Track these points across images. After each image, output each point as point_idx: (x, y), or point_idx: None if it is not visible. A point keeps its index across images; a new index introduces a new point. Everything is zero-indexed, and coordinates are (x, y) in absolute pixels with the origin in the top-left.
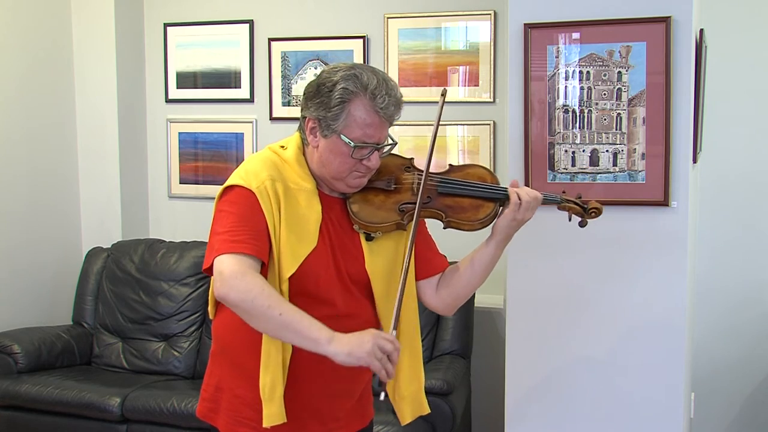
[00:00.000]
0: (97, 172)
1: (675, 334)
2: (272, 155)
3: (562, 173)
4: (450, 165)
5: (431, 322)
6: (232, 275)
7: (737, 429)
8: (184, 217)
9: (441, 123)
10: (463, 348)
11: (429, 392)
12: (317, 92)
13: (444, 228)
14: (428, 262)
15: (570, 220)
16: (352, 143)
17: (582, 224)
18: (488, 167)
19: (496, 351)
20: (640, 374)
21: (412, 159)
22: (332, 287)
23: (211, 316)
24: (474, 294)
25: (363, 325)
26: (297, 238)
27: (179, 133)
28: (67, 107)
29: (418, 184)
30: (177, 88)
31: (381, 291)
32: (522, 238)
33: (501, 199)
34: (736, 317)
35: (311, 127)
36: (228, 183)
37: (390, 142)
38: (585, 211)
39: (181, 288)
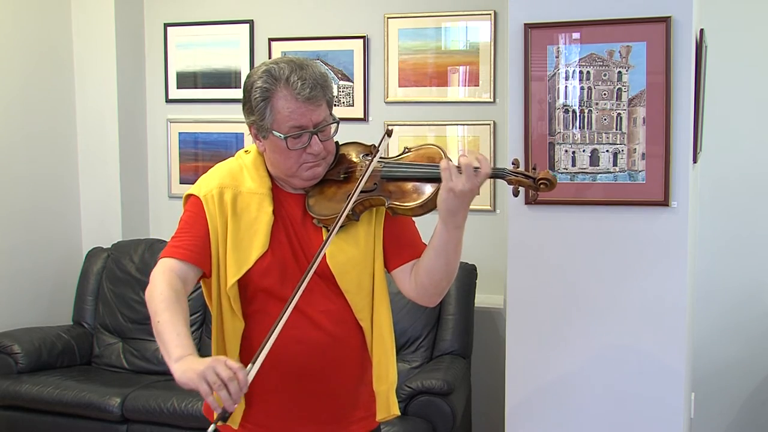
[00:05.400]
0: (97, 172)
1: (675, 334)
2: (234, 161)
3: (562, 173)
4: (405, 148)
5: (431, 322)
6: (151, 279)
7: (737, 429)
8: None
9: (441, 123)
10: (463, 348)
11: (429, 392)
12: (245, 99)
13: (393, 215)
14: (398, 250)
15: (516, 195)
16: (282, 136)
17: (533, 198)
18: (443, 147)
19: (496, 351)
20: (640, 374)
21: (372, 145)
22: (292, 285)
23: None
24: (475, 293)
25: (336, 320)
26: (247, 244)
27: (179, 133)
28: (67, 107)
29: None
30: (177, 88)
31: (348, 284)
32: (522, 237)
33: (440, 176)
34: (736, 317)
35: (253, 134)
36: (187, 192)
37: (330, 121)
38: (534, 183)
39: None
